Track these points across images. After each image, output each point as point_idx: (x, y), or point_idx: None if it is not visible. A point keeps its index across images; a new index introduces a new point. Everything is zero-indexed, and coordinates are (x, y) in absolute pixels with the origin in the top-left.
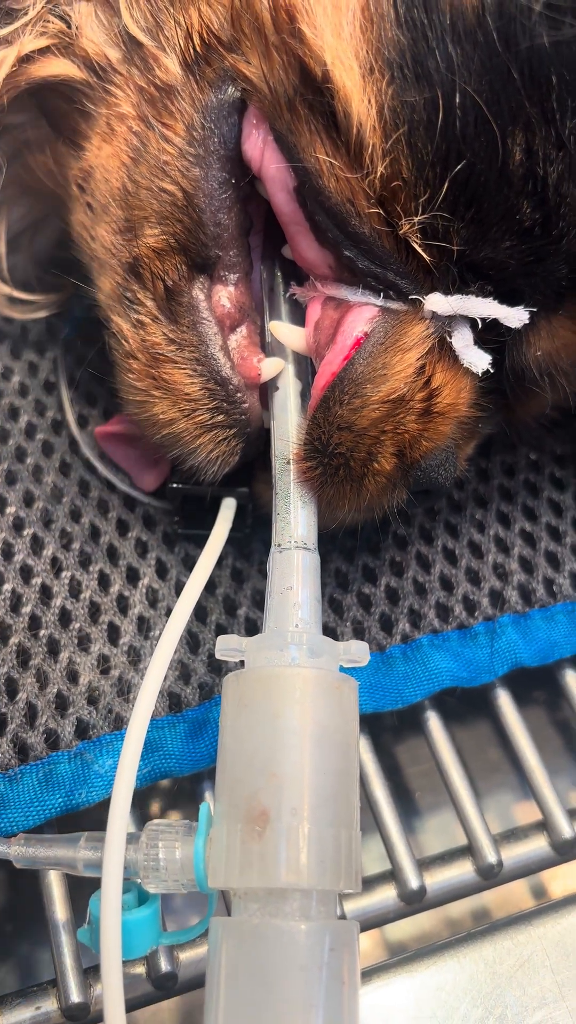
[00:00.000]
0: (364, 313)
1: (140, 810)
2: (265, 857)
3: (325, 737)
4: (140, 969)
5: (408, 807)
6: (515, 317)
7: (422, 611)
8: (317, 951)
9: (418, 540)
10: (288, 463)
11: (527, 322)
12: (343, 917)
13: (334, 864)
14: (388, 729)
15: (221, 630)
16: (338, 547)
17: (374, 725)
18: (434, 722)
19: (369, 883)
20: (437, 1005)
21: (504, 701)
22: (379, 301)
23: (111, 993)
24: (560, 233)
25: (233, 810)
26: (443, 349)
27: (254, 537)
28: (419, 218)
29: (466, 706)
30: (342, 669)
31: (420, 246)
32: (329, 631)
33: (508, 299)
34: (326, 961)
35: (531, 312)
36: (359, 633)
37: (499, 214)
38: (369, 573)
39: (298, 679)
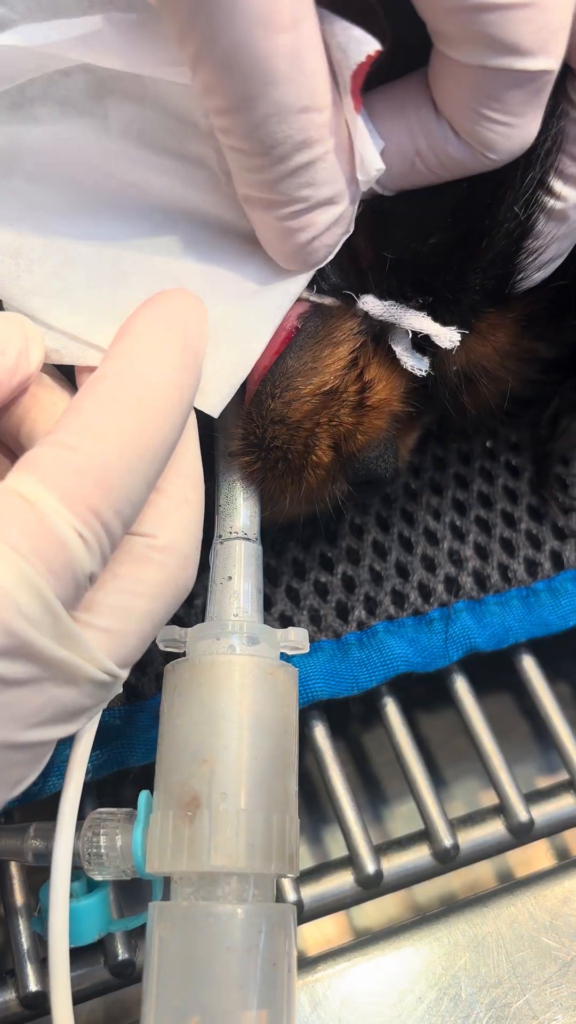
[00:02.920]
0: (296, 308)
1: (99, 798)
2: (194, 841)
3: (259, 723)
4: (98, 957)
5: (375, 794)
6: (446, 336)
7: (378, 598)
8: (248, 934)
9: (374, 528)
10: (229, 456)
11: (457, 343)
12: (298, 902)
13: (264, 848)
14: (356, 717)
15: (178, 621)
16: (296, 536)
17: (341, 713)
18: (391, 708)
19: (327, 868)
20: (394, 987)
21: (461, 687)
22: (312, 296)
23: (58, 978)
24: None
25: (167, 797)
26: (379, 345)
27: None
28: None
29: (435, 694)
30: (284, 657)
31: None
32: (286, 619)
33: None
34: (258, 944)
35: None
36: (315, 621)
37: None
38: (326, 561)
39: (232, 667)
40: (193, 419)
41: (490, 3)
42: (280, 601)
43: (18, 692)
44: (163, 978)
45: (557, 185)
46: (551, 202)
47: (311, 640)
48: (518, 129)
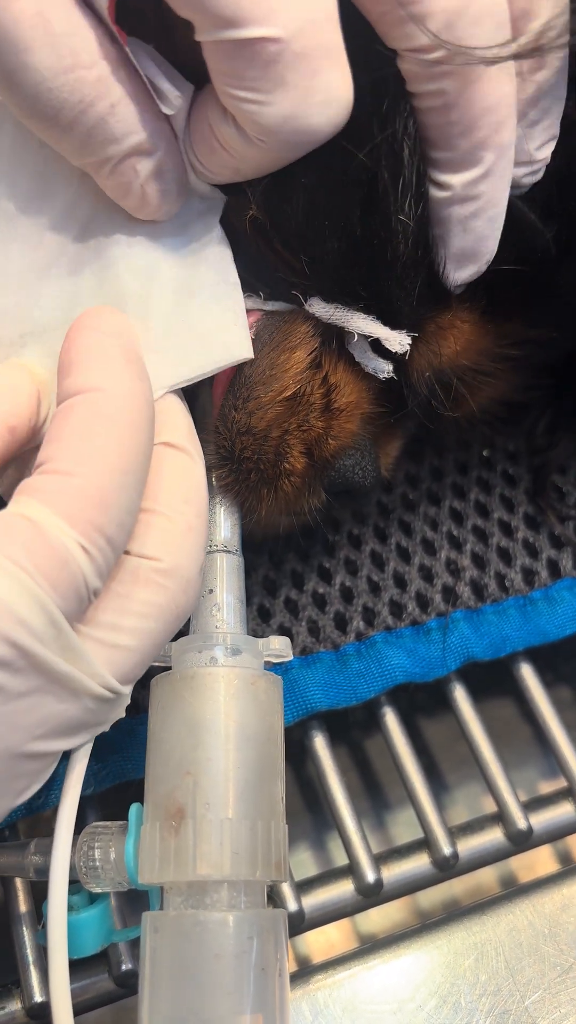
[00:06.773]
0: (250, 318)
1: (101, 810)
2: (180, 851)
3: (241, 733)
4: (103, 967)
5: (377, 800)
6: (396, 340)
7: (376, 609)
8: (236, 940)
9: (372, 539)
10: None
11: (408, 348)
12: (299, 911)
13: (250, 855)
14: (356, 724)
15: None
16: (293, 548)
17: (341, 719)
18: (391, 717)
19: (327, 877)
20: (394, 996)
21: (460, 694)
22: (262, 304)
23: (58, 991)
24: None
25: (155, 809)
26: (341, 348)
27: None
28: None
29: (435, 700)
30: (279, 668)
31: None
32: (284, 630)
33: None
34: (247, 950)
35: (412, 337)
36: (314, 632)
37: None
38: (324, 572)
39: (213, 678)
40: (199, 449)
41: None
42: (279, 612)
43: (21, 703)
44: (156, 987)
45: (435, 175)
46: (437, 193)
47: (309, 652)
48: (270, 106)
